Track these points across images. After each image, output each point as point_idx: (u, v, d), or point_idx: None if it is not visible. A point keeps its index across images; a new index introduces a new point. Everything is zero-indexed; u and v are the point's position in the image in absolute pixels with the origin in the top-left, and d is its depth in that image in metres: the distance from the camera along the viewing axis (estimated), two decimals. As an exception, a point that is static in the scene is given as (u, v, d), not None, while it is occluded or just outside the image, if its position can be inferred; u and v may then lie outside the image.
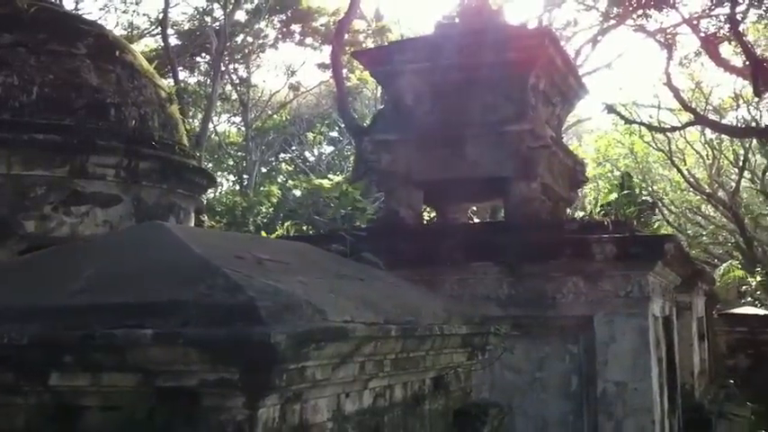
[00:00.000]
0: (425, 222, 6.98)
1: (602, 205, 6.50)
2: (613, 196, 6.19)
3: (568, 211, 7.94)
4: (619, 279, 5.74)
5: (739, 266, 18.08)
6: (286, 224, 7.32)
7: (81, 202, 7.97)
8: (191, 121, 30.86)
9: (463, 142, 6.86)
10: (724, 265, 17.46)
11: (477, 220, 8.35)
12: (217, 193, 37.43)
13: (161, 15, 27.04)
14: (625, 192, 6.63)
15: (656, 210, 10.25)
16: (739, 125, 22.90)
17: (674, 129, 23.38)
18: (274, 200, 24.84)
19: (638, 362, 5.66)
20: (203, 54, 32.58)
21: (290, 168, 41.29)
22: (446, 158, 6.95)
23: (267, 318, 2.51)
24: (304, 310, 2.72)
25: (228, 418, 2.53)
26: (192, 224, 9.49)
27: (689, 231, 36.42)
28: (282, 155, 42.72)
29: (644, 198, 11.83)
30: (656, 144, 30.73)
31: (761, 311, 16.20)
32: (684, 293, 9.74)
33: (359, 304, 3.23)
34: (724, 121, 24.69)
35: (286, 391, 2.65)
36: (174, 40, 30.19)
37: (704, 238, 36.15)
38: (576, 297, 5.83)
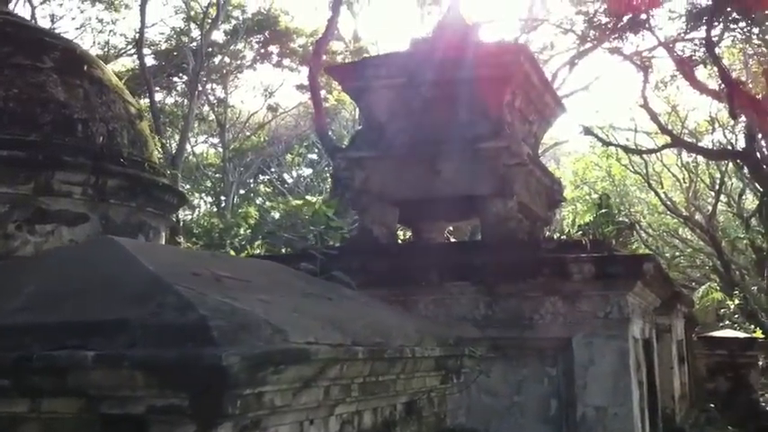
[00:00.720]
0: (400, 241, 6.79)
1: (579, 225, 6.36)
2: (590, 216, 6.04)
3: (546, 230, 7.79)
4: (597, 299, 5.57)
5: (717, 289, 18.00)
6: (257, 244, 7.11)
7: (46, 221, 7.73)
8: (168, 141, 30.59)
9: (438, 159, 6.71)
10: (702, 287, 17.40)
11: (453, 240, 8.18)
12: (195, 215, 37.15)
13: (137, 35, 26.81)
14: (603, 211, 6.49)
15: (635, 231, 10.12)
16: (715, 148, 22.95)
17: (650, 151, 23.43)
18: (252, 221, 24.56)
19: (618, 385, 5.48)
20: (180, 74, 32.34)
21: (268, 190, 41.01)
22: (421, 176, 6.79)
23: (220, 338, 2.31)
24: (262, 331, 2.53)
25: (178, 448, 2.33)
26: (163, 243, 9.26)
27: (666, 254, 36.48)
28: (261, 176, 42.44)
29: (622, 219, 11.73)
30: (633, 167, 30.79)
31: (740, 334, 16.11)
32: (664, 315, 9.61)
33: (325, 324, 3.04)
34: (700, 145, 24.77)
35: (241, 418, 2.45)
36: (150, 60, 29.95)
37: (682, 261, 36.24)
38: (555, 318, 5.66)
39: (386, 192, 6.86)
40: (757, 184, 19.58)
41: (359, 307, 3.85)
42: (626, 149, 23.37)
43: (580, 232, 6.30)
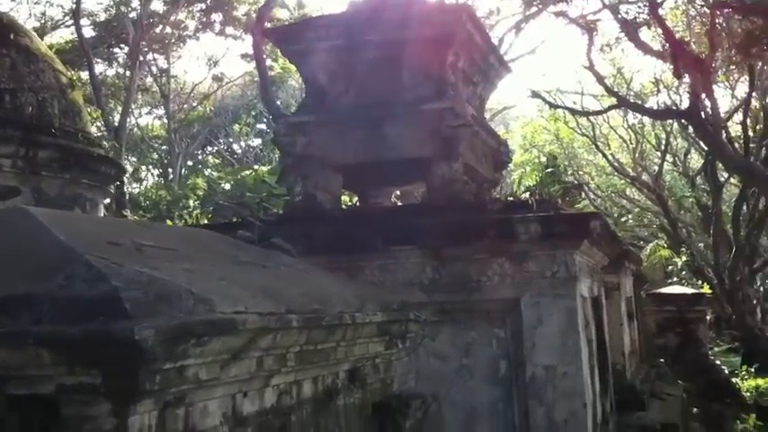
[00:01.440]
0: (345, 207, 6.64)
1: (527, 187, 6.28)
2: (536, 176, 5.95)
3: (493, 192, 7.69)
4: (545, 259, 5.50)
5: (665, 246, 18.24)
6: (195, 213, 6.91)
7: (-25, 195, 7.43)
8: (110, 113, 29.86)
9: (381, 123, 6.54)
10: (650, 245, 17.61)
11: (399, 204, 8.06)
12: (142, 188, 36.48)
13: (74, 5, 25.99)
14: (549, 171, 6.40)
15: (582, 191, 10.10)
16: (660, 108, 23.13)
17: (596, 112, 23.57)
18: (200, 193, 24.21)
19: (566, 344, 5.43)
20: (121, 45, 31.53)
21: (217, 161, 40.46)
22: (364, 140, 6.62)
23: (134, 310, 2.14)
24: (184, 301, 2.36)
25: (93, 429, 2.16)
26: (100, 215, 8.98)
27: (615, 214, 36.98)
28: (209, 148, 41.83)
29: (569, 180, 11.73)
30: (580, 130, 31.02)
31: (688, 290, 16.36)
32: (612, 274, 9.63)
33: (256, 293, 2.88)
34: (646, 106, 24.98)
35: (163, 394, 2.29)
36: (89, 31, 29.16)
37: (630, 220, 36.76)
38: (502, 279, 5.57)
39: (328, 157, 6.68)
40: (702, 143, 19.80)
41: (296, 274, 3.70)
42: (572, 111, 23.49)
43: (527, 193, 6.19)
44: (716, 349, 24.42)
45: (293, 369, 3.08)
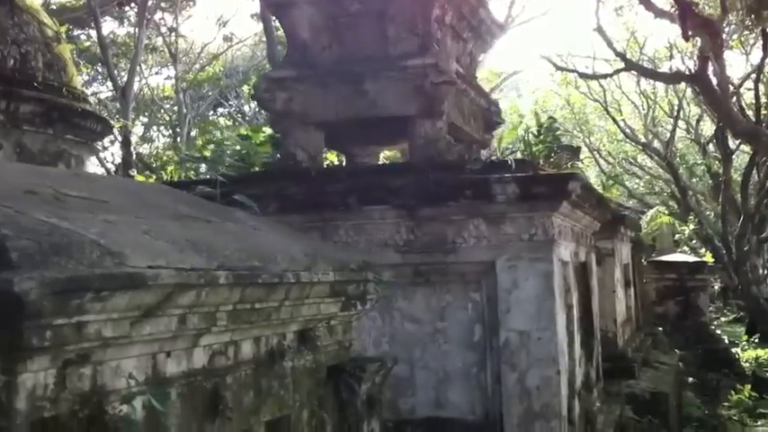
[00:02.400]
0: (324, 167, 6.47)
1: (504, 147, 6.08)
2: (519, 136, 5.75)
3: (483, 154, 7.51)
4: (522, 221, 5.33)
5: (665, 213, 17.97)
6: (170, 169, 6.78)
7: (-46, 148, 7.32)
8: (119, 73, 29.66)
9: (363, 79, 6.34)
10: (651, 211, 17.34)
11: (377, 163, 7.88)
12: (152, 149, 36.40)
13: (81, -39, 25.67)
14: (531, 129, 6.19)
15: (580, 155, 9.87)
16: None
17: (603, 76, 23.16)
18: (208, 154, 24.07)
19: (542, 309, 5.28)
20: (132, 4, 31.21)
21: (228, 123, 40.27)
22: (346, 97, 6.43)
23: (21, 261, 1.99)
24: (87, 253, 2.21)
25: (-19, 387, 2.03)
26: (87, 172, 8.85)
27: (626, 183, 36.62)
28: (220, 109, 41.60)
29: (567, 143, 11.49)
30: (591, 95, 30.58)
31: (690, 258, 16.16)
32: (606, 239, 9.47)
33: (185, 247, 2.73)
34: (653, 69, 24.52)
35: (60, 351, 2.15)
36: (97, -11, 28.79)
37: (641, 187, 36.43)
38: (478, 241, 5.41)
39: (309, 114, 6.50)
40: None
41: (243, 230, 3.55)
42: (580, 75, 23.12)
43: (510, 153, 5.99)
44: (722, 319, 24.26)
45: (227, 329, 2.94)
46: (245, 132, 7.20)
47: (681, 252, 21.12)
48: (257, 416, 3.29)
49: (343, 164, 8.19)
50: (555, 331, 5.26)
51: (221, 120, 42.23)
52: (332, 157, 8.46)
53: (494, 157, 5.58)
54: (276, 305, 3.24)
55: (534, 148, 6.03)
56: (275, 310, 3.25)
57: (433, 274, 5.59)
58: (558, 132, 8.30)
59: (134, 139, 33.49)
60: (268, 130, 7.51)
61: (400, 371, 5.69)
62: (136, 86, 32.51)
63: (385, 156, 8.28)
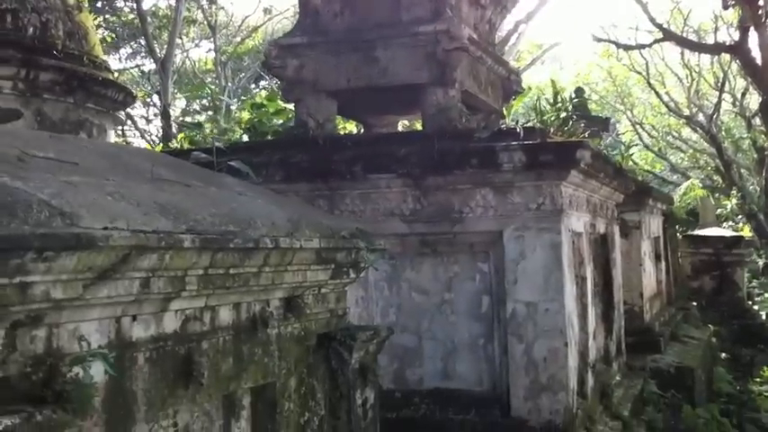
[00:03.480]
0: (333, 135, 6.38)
1: (513, 115, 5.93)
2: (526, 101, 5.59)
3: (501, 123, 7.35)
4: (530, 190, 5.20)
5: (700, 186, 17.54)
6: (180, 136, 6.76)
7: (-26, 116, 7.38)
8: (162, 46, 29.82)
9: (374, 46, 6.24)
10: (685, 183, 16.94)
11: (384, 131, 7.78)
12: (194, 120, 36.57)
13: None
14: (548, 98, 6.02)
15: (610, 127, 9.60)
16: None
17: (642, 46, 22.62)
18: (246, 126, 24.17)
19: (549, 280, 5.16)
20: (175, -24, 31.28)
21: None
22: (358, 64, 6.33)
23: (-46, 219, 1.97)
24: (34, 213, 2.17)
25: None
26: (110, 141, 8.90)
27: (671, 157, 35.94)
28: (262, 82, 41.70)
29: (595, 115, 11.24)
30: (633, 67, 29.96)
31: (727, 232, 15.79)
32: (633, 212, 9.28)
33: (152, 210, 2.68)
34: (692, 40, 23.90)
35: (6, 312, 2.12)
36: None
37: (685, 161, 35.72)
38: (485, 211, 5.30)
39: (320, 81, 6.42)
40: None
41: (226, 196, 3.49)
42: (618, 45, 22.57)
43: (525, 122, 5.84)
44: (766, 295, 23.77)
45: (199, 294, 2.90)
46: (260, 101, 7.13)
47: (727, 228, 20.72)
48: (238, 382, 3.26)
49: (361, 133, 8.10)
50: (563, 303, 5.14)
51: (263, 92, 42.30)
52: (351, 127, 8.37)
53: (504, 126, 5.43)
54: (255, 271, 3.19)
55: (546, 116, 5.87)
56: (254, 276, 3.20)
57: (441, 245, 5.51)
58: (589, 104, 8.08)
59: (176, 112, 33.73)
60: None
61: (408, 341, 5.65)
62: (178, 60, 32.69)
63: (404, 125, 8.16)
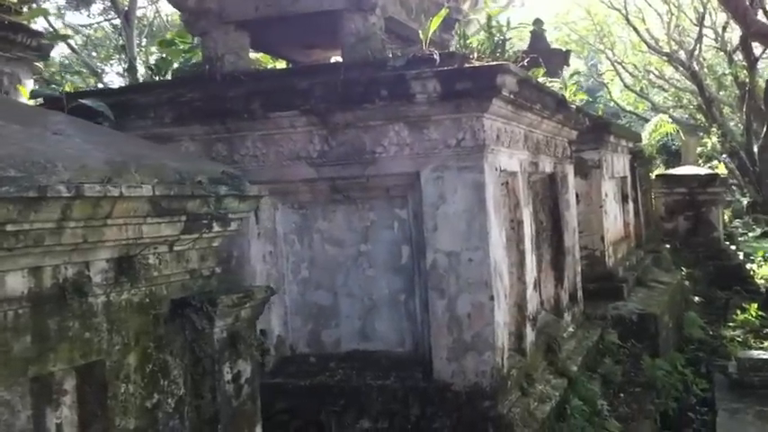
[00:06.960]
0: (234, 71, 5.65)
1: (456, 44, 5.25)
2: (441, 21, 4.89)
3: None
4: (448, 125, 4.53)
5: (669, 121, 16.84)
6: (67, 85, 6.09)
7: None
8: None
9: (283, -32, 5.51)
10: (653, 119, 16.26)
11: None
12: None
13: None
14: (487, 24, 5.33)
15: (568, 61, 8.88)
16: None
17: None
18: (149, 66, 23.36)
19: (472, 226, 4.53)
20: None
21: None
22: (267, -10, 5.61)
23: None
24: None
25: None
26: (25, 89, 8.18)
27: (654, 97, 35.16)
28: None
29: (557, 48, 10.52)
30: (611, 4, 29.06)
31: (701, 171, 15.17)
32: (592, 150, 8.65)
33: None
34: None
35: None
36: None
37: (668, 101, 34.96)
38: (400, 150, 4.64)
39: (227, 11, 5.69)
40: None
41: (30, 135, 2.83)
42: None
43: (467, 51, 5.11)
44: (749, 234, 23.31)
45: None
46: (169, 37, 6.40)
47: (709, 167, 20.11)
48: (43, 364, 2.65)
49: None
50: (488, 252, 4.52)
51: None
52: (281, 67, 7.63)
53: (419, 53, 4.75)
54: (52, 227, 2.55)
55: (468, 40, 5.18)
56: (52, 234, 2.56)
57: (354, 190, 4.86)
58: (569, 45, 7.33)
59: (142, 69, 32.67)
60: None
61: (322, 299, 5.05)
62: (149, 13, 31.54)
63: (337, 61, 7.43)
